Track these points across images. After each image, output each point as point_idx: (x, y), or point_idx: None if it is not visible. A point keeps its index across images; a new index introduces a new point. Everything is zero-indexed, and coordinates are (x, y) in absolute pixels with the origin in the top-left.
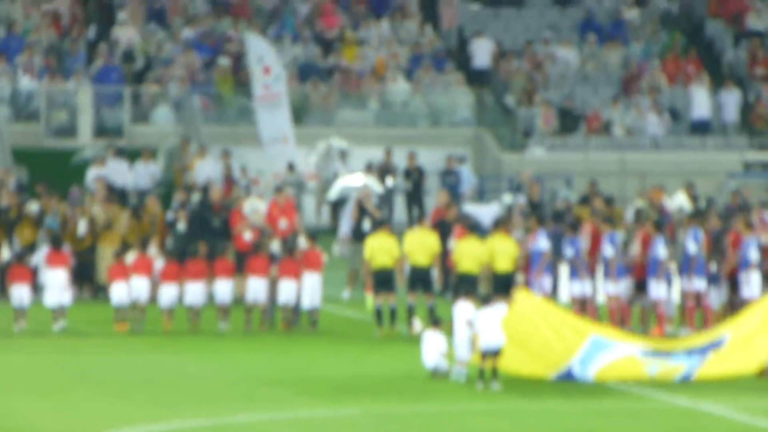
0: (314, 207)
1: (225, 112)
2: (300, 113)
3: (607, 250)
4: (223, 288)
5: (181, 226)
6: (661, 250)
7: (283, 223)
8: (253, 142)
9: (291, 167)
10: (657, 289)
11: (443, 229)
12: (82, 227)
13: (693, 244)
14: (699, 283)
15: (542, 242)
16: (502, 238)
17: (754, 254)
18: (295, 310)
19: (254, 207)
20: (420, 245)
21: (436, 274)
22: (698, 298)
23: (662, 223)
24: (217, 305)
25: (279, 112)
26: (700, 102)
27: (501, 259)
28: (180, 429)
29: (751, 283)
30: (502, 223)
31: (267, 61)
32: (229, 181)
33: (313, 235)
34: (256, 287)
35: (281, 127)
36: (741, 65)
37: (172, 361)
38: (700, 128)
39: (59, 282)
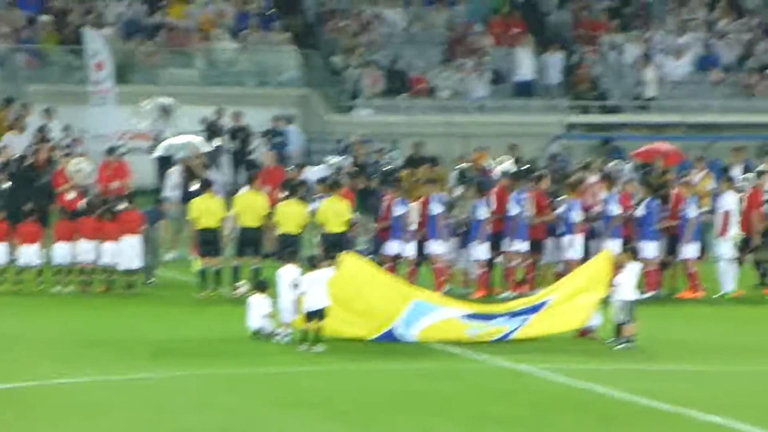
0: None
1: (49, 70)
2: (124, 71)
3: (434, 211)
4: (61, 250)
5: (5, 185)
6: (482, 211)
7: (115, 185)
8: (79, 100)
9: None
10: (477, 251)
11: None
12: None
13: (515, 206)
14: (521, 245)
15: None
16: (332, 200)
17: (577, 217)
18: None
19: (78, 167)
20: (249, 206)
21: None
22: (524, 258)
23: (486, 185)
24: (54, 267)
25: (107, 109)
26: (525, 64)
27: (331, 221)
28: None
29: (575, 245)
30: (332, 185)
31: (101, 57)
32: (43, 140)
33: (131, 197)
34: (85, 249)
35: (111, 123)
36: (565, 27)
37: None
38: (524, 90)
39: None
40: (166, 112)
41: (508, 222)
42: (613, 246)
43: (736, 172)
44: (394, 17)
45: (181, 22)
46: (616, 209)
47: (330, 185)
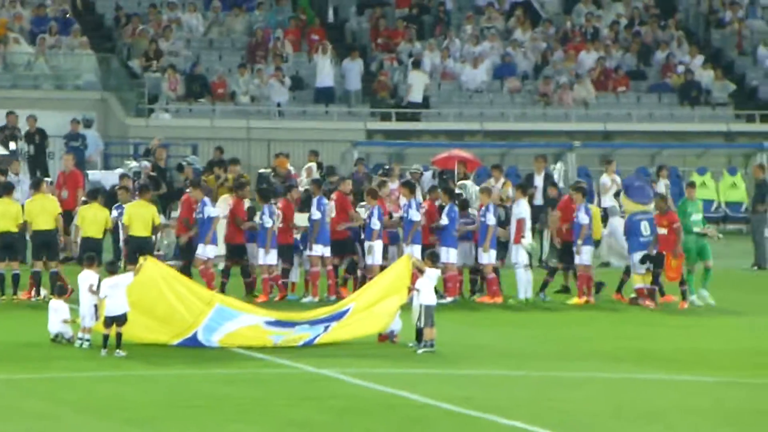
0: None
1: None
2: None
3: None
4: None
5: None
6: (266, 219)
7: None
8: None
9: None
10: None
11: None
12: None
13: (317, 212)
14: (322, 249)
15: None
16: (139, 204)
17: (377, 223)
18: None
19: None
20: (41, 209)
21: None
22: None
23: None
24: None
25: None
26: (324, 70)
27: (136, 225)
28: None
29: (374, 251)
30: (141, 190)
31: None
32: None
33: None
34: None
35: None
36: (364, 35)
37: None
38: (325, 96)
39: None
40: None
41: (310, 227)
42: (413, 251)
43: (538, 180)
44: (191, 21)
45: None
46: (416, 215)
47: (138, 189)
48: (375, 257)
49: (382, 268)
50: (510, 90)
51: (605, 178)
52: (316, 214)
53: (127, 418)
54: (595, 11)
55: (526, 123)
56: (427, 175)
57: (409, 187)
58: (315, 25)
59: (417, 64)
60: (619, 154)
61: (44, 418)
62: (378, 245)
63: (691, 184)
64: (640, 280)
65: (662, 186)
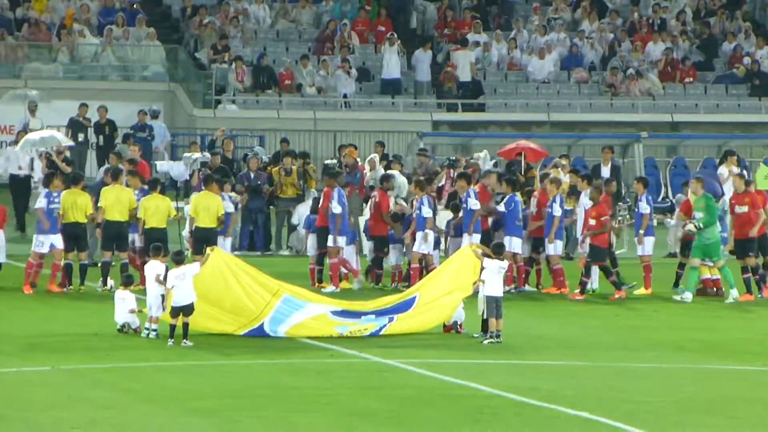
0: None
1: None
2: None
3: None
4: None
5: None
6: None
7: None
8: None
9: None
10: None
11: None
12: None
13: (336, 205)
14: (341, 240)
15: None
16: (205, 195)
17: (427, 212)
18: None
19: None
20: (115, 201)
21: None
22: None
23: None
24: None
25: None
26: (391, 62)
27: (203, 216)
28: None
29: (429, 240)
30: (206, 180)
31: None
32: None
33: None
34: None
35: None
36: (431, 26)
37: None
38: (391, 88)
39: None
40: (30, 108)
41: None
42: (474, 240)
43: (605, 172)
44: (259, 13)
45: (45, 16)
46: (475, 204)
47: (203, 180)
48: (429, 246)
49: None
50: (577, 81)
51: (723, 170)
52: (337, 208)
53: (192, 408)
54: (662, 2)
55: (593, 114)
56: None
57: (466, 178)
58: (382, 17)
59: (464, 43)
60: (686, 145)
61: (110, 407)
62: (431, 235)
63: (698, 179)
64: (707, 271)
65: (725, 172)
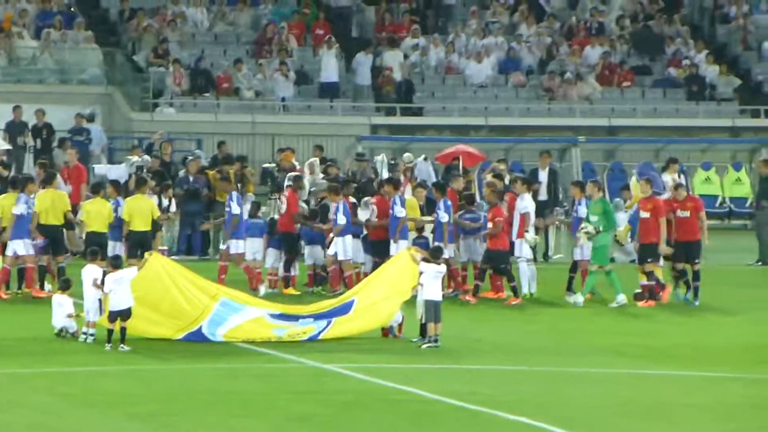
0: None
1: None
2: None
3: (235, 210)
4: None
5: None
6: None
7: None
8: None
9: None
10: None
11: None
12: None
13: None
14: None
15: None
16: (137, 198)
17: (341, 219)
18: None
19: None
20: (51, 205)
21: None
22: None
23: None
24: None
25: None
26: (330, 65)
27: (136, 219)
28: None
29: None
30: (138, 183)
31: None
32: None
33: None
34: None
35: None
36: (369, 30)
37: None
38: (330, 91)
39: None
40: None
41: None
42: (401, 247)
43: (542, 176)
44: (197, 16)
45: None
46: (401, 212)
47: (135, 183)
48: (347, 252)
49: None
50: (515, 85)
51: (666, 177)
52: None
53: (130, 412)
54: (600, 6)
55: (531, 118)
56: (421, 163)
57: (393, 183)
58: (320, 20)
59: (394, 43)
60: (624, 150)
61: (47, 412)
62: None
63: (594, 182)
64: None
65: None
